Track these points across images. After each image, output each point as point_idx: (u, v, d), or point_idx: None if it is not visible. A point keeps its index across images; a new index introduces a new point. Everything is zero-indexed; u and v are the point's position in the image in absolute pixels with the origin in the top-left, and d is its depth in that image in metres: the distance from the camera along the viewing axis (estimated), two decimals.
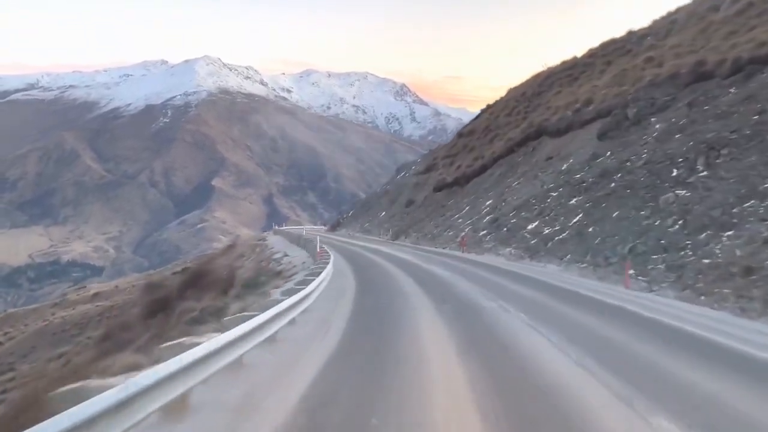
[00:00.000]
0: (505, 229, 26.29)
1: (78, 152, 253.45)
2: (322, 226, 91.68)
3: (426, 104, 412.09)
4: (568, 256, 19.80)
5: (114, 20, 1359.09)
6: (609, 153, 25.39)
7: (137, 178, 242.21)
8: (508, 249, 24.23)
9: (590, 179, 24.16)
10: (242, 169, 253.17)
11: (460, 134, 51.47)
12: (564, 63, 46.76)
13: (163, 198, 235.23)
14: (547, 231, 22.92)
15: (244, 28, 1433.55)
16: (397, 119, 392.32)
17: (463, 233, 30.22)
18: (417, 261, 22.81)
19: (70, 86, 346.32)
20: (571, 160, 28.29)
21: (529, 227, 24.49)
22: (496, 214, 28.87)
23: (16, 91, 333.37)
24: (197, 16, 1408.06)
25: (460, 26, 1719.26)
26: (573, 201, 23.65)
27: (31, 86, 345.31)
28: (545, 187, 27.16)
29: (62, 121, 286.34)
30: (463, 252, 27.38)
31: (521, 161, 34.33)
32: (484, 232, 27.92)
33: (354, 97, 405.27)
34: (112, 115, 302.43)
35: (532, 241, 22.99)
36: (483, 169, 38.25)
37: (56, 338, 52.13)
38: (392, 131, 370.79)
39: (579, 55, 45.97)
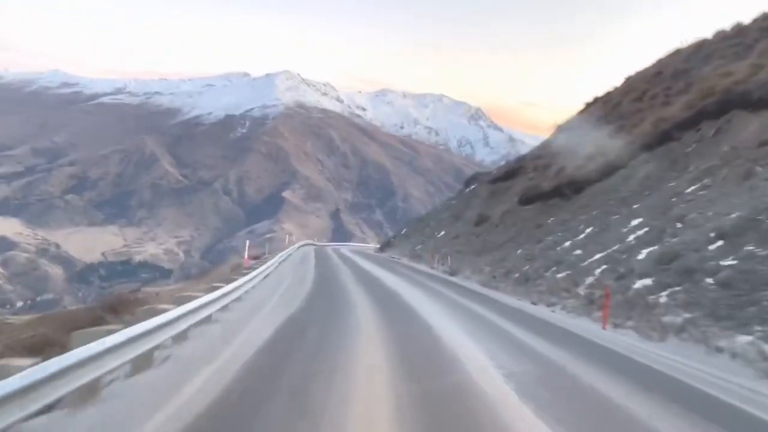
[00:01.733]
0: (708, 280, 10.87)
1: (157, 156, 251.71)
2: (377, 245, 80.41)
3: (500, 130, 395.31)
4: None
5: (201, 32, 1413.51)
6: None
7: (212, 185, 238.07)
8: (745, 338, 8.82)
9: None
10: (312, 183, 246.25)
11: (560, 128, 36.13)
12: (721, 33, 30.97)
13: (234, 206, 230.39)
14: None
15: (325, 46, 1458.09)
16: (470, 143, 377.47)
17: (590, 277, 14.89)
18: (509, 384, 7.24)
19: (156, 93, 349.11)
20: None
21: None
22: (667, 244, 13.47)
23: (105, 94, 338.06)
24: (281, 32, 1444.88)
25: (538, 52, 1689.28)
26: None
27: (119, 90, 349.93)
28: None
29: (145, 126, 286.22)
30: (605, 327, 12.09)
31: (692, 152, 18.96)
32: (648, 281, 12.61)
33: (427, 119, 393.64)
34: (193, 123, 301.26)
35: None
36: (609, 169, 22.96)
37: None
38: (464, 155, 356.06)
39: (745, 21, 30.24)
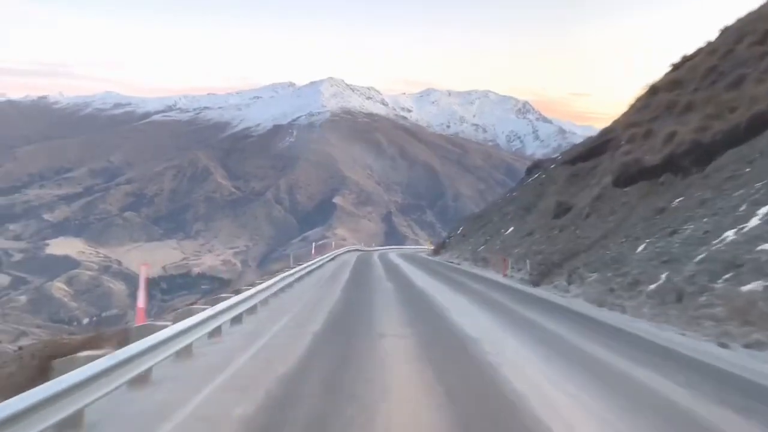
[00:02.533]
0: None
1: (210, 170, 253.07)
2: (430, 247, 73.40)
3: (550, 122, 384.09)
4: None
5: (247, 46, 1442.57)
6: None
7: (264, 195, 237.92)
8: None
9: None
10: (362, 188, 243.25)
11: (653, 89, 28.66)
12: None
13: (287, 214, 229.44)
14: None
15: (367, 50, 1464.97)
16: (519, 138, 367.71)
17: None
18: None
19: (205, 108, 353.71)
20: None
21: None
22: None
23: (156, 112, 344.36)
24: (324, 40, 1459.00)
25: (586, 42, 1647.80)
26: None
27: (170, 108, 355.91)
28: None
29: (196, 141, 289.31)
30: None
31: None
32: None
33: (474, 116, 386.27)
34: (242, 135, 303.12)
35: None
36: (756, 125, 16.04)
37: None
38: (514, 150, 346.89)
39: None
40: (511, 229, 37.53)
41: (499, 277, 25.70)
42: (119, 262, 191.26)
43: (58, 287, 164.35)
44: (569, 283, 18.27)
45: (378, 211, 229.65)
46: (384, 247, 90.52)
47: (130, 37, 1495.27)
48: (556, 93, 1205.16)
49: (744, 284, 10.56)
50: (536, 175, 51.91)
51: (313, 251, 39.46)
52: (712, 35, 30.38)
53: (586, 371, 8.26)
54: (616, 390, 7.23)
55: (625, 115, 30.84)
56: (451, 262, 40.28)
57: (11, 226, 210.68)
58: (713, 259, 12.19)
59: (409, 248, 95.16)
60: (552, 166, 46.03)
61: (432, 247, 69.48)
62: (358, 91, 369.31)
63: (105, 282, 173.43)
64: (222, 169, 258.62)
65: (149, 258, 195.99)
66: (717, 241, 13.07)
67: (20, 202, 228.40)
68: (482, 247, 39.25)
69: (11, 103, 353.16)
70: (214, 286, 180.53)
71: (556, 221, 28.37)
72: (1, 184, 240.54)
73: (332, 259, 39.03)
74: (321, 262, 31.38)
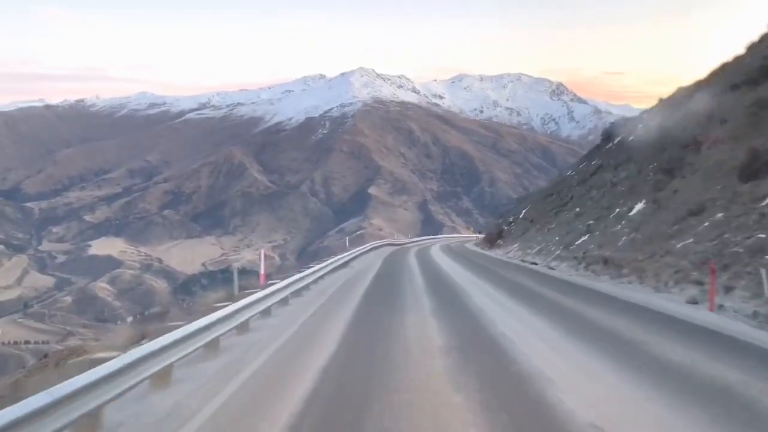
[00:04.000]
0: None
1: (245, 165, 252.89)
2: (476, 235, 65.69)
3: (585, 102, 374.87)
4: None
5: (276, 40, 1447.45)
6: None
7: (299, 188, 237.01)
8: None
9: None
10: (397, 177, 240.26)
11: None
12: None
13: (323, 207, 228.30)
14: None
15: (396, 39, 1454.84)
16: (554, 120, 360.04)
17: None
18: None
19: (238, 104, 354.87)
20: None
21: None
22: None
23: (191, 110, 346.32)
24: (352, 30, 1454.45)
25: (618, 20, 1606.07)
26: None
27: (203, 105, 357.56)
28: None
29: (231, 137, 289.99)
30: None
31: None
32: None
33: (507, 100, 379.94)
34: (276, 129, 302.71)
35: None
36: None
37: None
38: (549, 132, 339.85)
39: None
40: (640, 205, 23.58)
41: (692, 310, 12.66)
42: (160, 260, 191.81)
43: (102, 287, 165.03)
44: None
45: (414, 199, 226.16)
46: (422, 238, 78.54)
47: (162, 38, 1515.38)
48: (590, 72, 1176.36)
49: None
50: (619, 138, 41.23)
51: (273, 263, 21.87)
52: None
53: None
54: None
55: None
56: (534, 264, 27.56)
57: (54, 229, 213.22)
58: None
59: (450, 238, 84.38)
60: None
61: (478, 236, 62.57)
62: (389, 80, 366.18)
63: (147, 280, 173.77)
64: (257, 163, 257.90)
65: (189, 255, 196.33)
66: None
67: (62, 204, 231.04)
68: (584, 239, 25.94)
69: (49, 108, 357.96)
70: (253, 281, 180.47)
71: (753, 186, 16.22)
72: (42, 187, 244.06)
73: (344, 264, 27.59)
74: (312, 278, 19.97)
